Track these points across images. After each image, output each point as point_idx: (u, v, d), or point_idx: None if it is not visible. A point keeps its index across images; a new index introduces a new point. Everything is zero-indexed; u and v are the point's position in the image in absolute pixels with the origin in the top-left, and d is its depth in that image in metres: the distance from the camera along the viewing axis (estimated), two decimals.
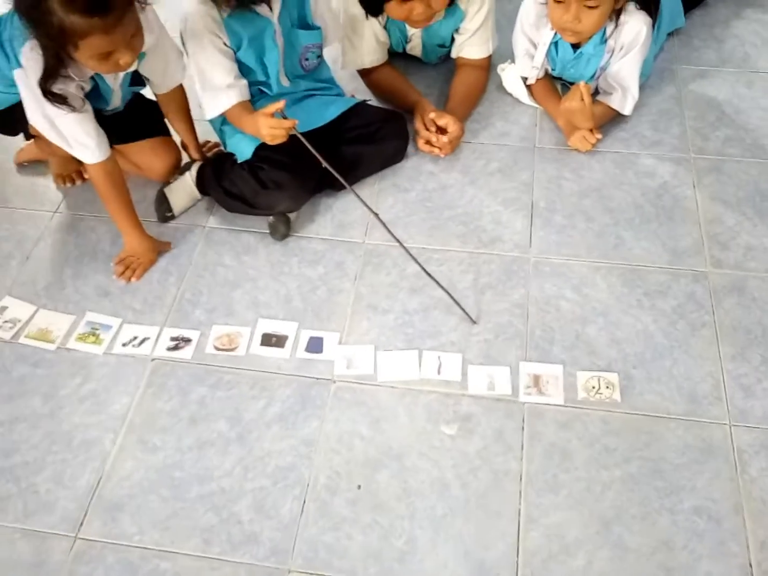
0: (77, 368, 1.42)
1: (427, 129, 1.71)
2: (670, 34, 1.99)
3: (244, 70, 1.56)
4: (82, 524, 1.22)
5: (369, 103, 1.73)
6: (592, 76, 1.76)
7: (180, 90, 1.62)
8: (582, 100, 1.63)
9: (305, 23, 1.60)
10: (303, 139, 1.38)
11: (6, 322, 1.49)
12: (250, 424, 1.33)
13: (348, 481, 1.25)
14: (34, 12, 1.23)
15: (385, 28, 1.80)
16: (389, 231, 1.42)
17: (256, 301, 1.50)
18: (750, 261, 1.52)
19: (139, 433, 1.32)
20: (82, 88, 1.41)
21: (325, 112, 1.62)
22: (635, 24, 1.63)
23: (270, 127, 1.43)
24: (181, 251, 1.60)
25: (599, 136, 1.72)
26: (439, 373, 1.38)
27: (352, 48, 1.80)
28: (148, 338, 1.45)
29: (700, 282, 1.49)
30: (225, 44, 1.51)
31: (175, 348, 1.44)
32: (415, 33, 1.83)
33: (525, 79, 1.84)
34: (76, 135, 1.42)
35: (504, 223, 1.62)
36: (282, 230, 1.59)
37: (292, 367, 1.40)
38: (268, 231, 1.61)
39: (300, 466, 1.27)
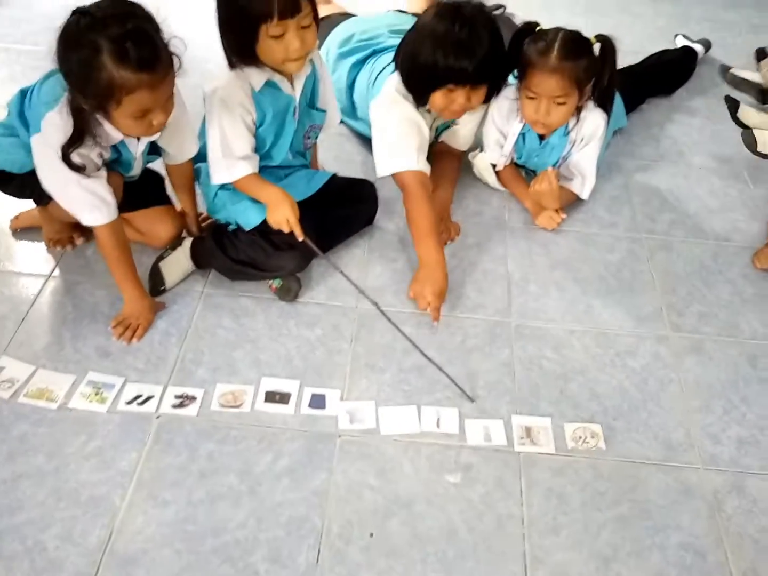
0: (81, 426, 1.42)
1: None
2: (614, 133, 2.25)
3: (258, 143, 1.67)
4: None
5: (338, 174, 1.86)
6: (554, 164, 1.97)
7: (189, 164, 1.71)
8: (550, 183, 1.83)
9: (314, 105, 1.74)
10: (312, 245, 1.61)
11: (4, 381, 1.48)
12: (260, 477, 1.36)
13: (360, 529, 1.30)
14: (83, 68, 1.27)
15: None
16: (391, 321, 1.58)
17: (258, 361, 1.56)
18: (704, 326, 1.71)
19: (148, 489, 1.33)
20: (102, 156, 1.48)
21: (310, 183, 1.76)
22: (594, 119, 1.86)
23: (286, 219, 1.58)
24: (181, 314, 1.65)
25: (564, 215, 1.92)
26: (438, 426, 1.47)
27: (408, 151, 1.81)
28: (152, 396, 1.48)
29: (662, 344, 1.66)
30: (252, 119, 1.62)
31: (180, 405, 1.47)
32: (434, 123, 1.97)
33: (494, 166, 2.03)
34: (90, 199, 1.48)
35: (485, 291, 1.76)
36: (295, 288, 1.68)
37: (297, 422, 1.46)
38: (267, 295, 1.69)
39: (313, 516, 1.31)
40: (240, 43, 1.52)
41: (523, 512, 1.34)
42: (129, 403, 1.46)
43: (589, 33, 1.80)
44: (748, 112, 2.24)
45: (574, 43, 1.75)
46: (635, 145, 2.28)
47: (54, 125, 1.39)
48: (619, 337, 1.67)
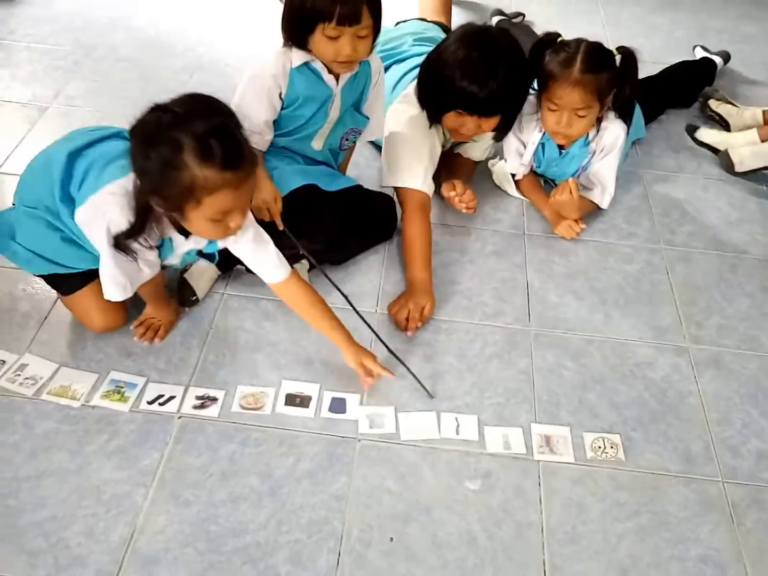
0: (103, 425, 1.43)
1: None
2: (633, 144, 2.26)
3: (283, 123, 1.68)
4: None
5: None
6: (573, 174, 1.98)
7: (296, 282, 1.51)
8: (570, 193, 1.84)
9: (358, 109, 1.75)
10: (293, 238, 1.62)
11: (27, 378, 1.49)
12: (281, 480, 1.37)
13: (380, 534, 1.31)
14: (163, 167, 1.17)
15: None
16: (362, 317, 1.55)
17: (278, 364, 1.57)
18: (723, 338, 1.71)
19: (170, 488, 1.34)
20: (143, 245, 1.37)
21: (332, 182, 1.77)
22: (614, 129, 1.87)
23: (267, 207, 1.60)
24: (202, 316, 1.65)
25: (584, 225, 1.92)
26: (457, 433, 1.47)
27: (415, 169, 1.84)
28: (174, 397, 1.49)
29: (681, 356, 1.66)
30: (280, 93, 1.63)
31: (202, 407, 1.48)
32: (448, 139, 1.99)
33: (513, 175, 2.04)
34: (120, 279, 1.38)
35: (504, 298, 1.77)
36: None
37: (317, 426, 1.46)
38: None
39: (333, 520, 1.32)
40: (296, 29, 1.56)
41: (543, 521, 1.34)
42: (151, 402, 1.47)
43: (607, 43, 1.81)
44: (707, 133, 2.30)
45: (597, 55, 1.76)
46: (654, 156, 2.28)
47: (114, 204, 1.28)
48: (638, 347, 1.67)
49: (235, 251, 1.47)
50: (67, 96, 2.30)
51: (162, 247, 1.42)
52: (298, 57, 1.61)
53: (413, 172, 1.83)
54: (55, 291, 1.61)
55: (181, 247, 1.44)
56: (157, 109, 1.19)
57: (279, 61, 1.61)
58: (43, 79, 2.38)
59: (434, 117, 1.82)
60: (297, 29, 1.56)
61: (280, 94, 1.64)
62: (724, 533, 1.35)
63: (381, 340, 1.58)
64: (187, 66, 2.50)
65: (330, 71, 1.63)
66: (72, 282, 1.53)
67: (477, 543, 1.30)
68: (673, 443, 1.48)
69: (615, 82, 1.78)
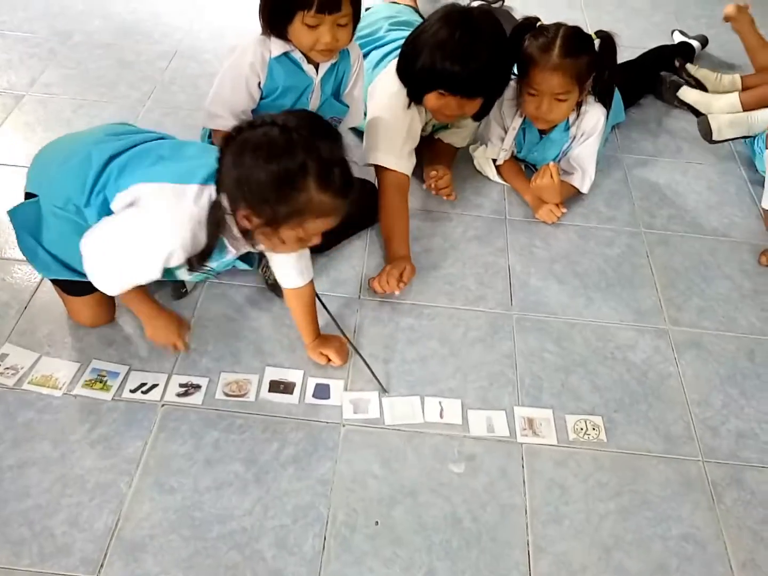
0: (86, 414, 1.42)
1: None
2: (612, 128, 2.27)
3: (263, 113, 1.66)
4: (102, 565, 1.21)
5: None
6: (554, 158, 1.98)
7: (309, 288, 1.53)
8: (551, 177, 1.84)
9: (338, 97, 1.74)
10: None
11: (7, 368, 1.47)
12: (265, 466, 1.37)
13: (365, 518, 1.31)
14: (282, 184, 1.15)
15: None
16: (322, 302, 1.57)
17: (261, 351, 1.56)
18: (703, 320, 1.73)
19: (155, 476, 1.34)
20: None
21: None
22: (594, 113, 1.88)
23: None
24: (185, 304, 1.64)
25: (564, 209, 1.93)
26: (441, 416, 1.48)
27: (391, 148, 1.82)
28: (156, 385, 1.48)
29: (662, 338, 1.68)
30: (258, 83, 1.62)
31: (185, 394, 1.47)
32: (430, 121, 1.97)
33: (494, 160, 2.04)
34: (129, 278, 1.35)
35: (486, 283, 1.77)
36: None
37: (301, 411, 1.46)
38: (265, 286, 1.69)
39: (318, 505, 1.32)
40: (274, 18, 1.54)
41: (526, 502, 1.36)
42: (133, 391, 1.46)
43: (586, 28, 1.82)
44: (689, 92, 2.36)
45: (575, 39, 1.76)
46: (633, 140, 2.29)
47: (183, 213, 1.25)
48: (619, 330, 1.69)
49: (274, 256, 1.46)
50: (43, 84, 2.27)
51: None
52: (277, 46, 1.59)
53: (393, 153, 1.81)
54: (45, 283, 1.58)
55: (229, 255, 1.41)
56: (275, 124, 1.16)
57: (258, 50, 1.60)
58: (18, 66, 2.34)
59: (416, 97, 1.79)
60: (276, 18, 1.55)
61: (259, 84, 1.63)
62: (704, 511, 1.37)
63: (338, 326, 1.56)
64: (165, 53, 2.47)
65: (309, 60, 1.62)
66: (84, 285, 1.43)
67: (462, 525, 1.31)
68: (654, 424, 1.50)
69: (594, 66, 1.79)
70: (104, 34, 2.53)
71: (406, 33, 1.82)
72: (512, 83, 1.86)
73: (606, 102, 1.89)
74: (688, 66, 2.48)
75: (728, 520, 1.36)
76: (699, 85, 2.43)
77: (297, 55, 1.61)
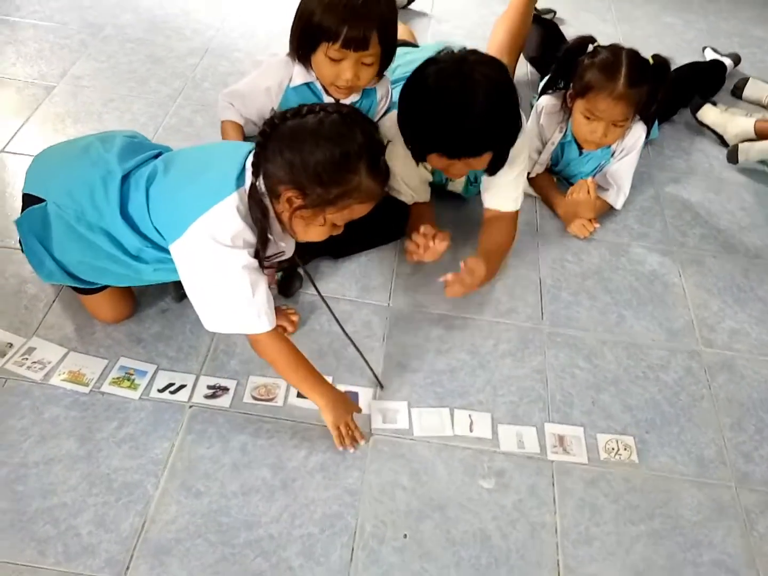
0: (113, 412, 1.40)
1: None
2: (646, 144, 2.24)
3: None
4: (128, 568, 1.19)
5: None
6: (590, 173, 1.96)
7: None
8: (588, 193, 1.83)
9: None
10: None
11: (35, 363, 1.46)
12: (293, 473, 1.35)
13: (394, 530, 1.29)
14: (339, 165, 1.20)
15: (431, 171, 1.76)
16: (323, 300, 1.53)
17: None
18: (735, 343, 1.70)
19: (181, 478, 1.32)
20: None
21: None
22: (636, 131, 1.86)
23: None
24: None
25: (597, 225, 1.91)
26: (471, 430, 1.46)
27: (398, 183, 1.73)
28: (184, 385, 1.46)
29: (694, 359, 1.66)
30: (271, 110, 1.60)
31: (213, 396, 1.46)
32: None
33: (528, 173, 2.02)
34: (264, 301, 1.29)
35: (516, 296, 1.75)
36: (296, 286, 1.66)
37: None
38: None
39: (346, 515, 1.30)
40: (301, 43, 1.52)
41: (557, 521, 1.33)
42: (161, 390, 1.45)
43: (620, 41, 1.81)
44: (709, 111, 2.34)
45: (640, 68, 1.75)
46: (666, 157, 2.27)
47: (230, 222, 1.24)
48: (650, 349, 1.67)
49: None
50: (74, 75, 2.26)
51: None
52: (299, 74, 1.58)
53: (402, 191, 1.74)
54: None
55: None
56: (316, 111, 1.24)
57: (278, 75, 1.58)
58: (49, 57, 2.34)
59: (419, 158, 1.63)
60: (302, 43, 1.52)
61: (272, 108, 1.61)
62: (737, 538, 1.35)
63: (340, 324, 1.51)
64: (196, 49, 2.46)
65: (329, 93, 1.60)
66: (90, 284, 1.47)
67: (491, 542, 1.29)
68: (687, 447, 1.48)
69: (653, 93, 1.77)
70: (135, 29, 2.52)
71: None
72: (552, 97, 1.84)
73: (648, 120, 1.88)
74: (699, 113, 2.38)
75: (762, 548, 1.34)
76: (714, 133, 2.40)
77: (318, 86, 1.59)
